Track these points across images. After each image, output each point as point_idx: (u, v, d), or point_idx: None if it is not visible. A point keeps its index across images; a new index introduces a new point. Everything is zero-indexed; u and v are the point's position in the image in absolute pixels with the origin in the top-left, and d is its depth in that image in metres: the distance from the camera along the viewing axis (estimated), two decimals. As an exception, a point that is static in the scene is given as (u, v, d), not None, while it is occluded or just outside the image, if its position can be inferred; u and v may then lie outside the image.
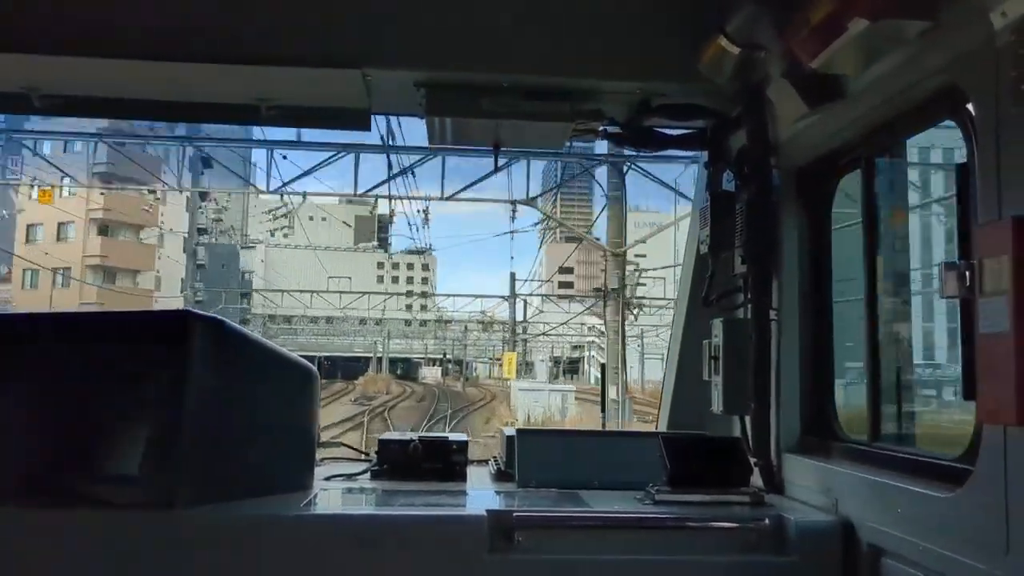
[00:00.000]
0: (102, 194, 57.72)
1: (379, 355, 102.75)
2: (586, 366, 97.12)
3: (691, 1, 4.08)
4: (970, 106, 2.86)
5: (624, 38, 4.18)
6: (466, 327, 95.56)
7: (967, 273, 2.63)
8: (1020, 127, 2.49)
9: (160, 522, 3.30)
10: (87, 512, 3.34)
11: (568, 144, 5.28)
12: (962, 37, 2.76)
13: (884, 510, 3.22)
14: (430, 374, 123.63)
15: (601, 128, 4.58)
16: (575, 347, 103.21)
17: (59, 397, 3.63)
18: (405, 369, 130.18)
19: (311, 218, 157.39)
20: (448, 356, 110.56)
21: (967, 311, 2.77)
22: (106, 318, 4.13)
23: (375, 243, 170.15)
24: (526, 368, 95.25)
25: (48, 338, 3.79)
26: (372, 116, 4.65)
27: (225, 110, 4.61)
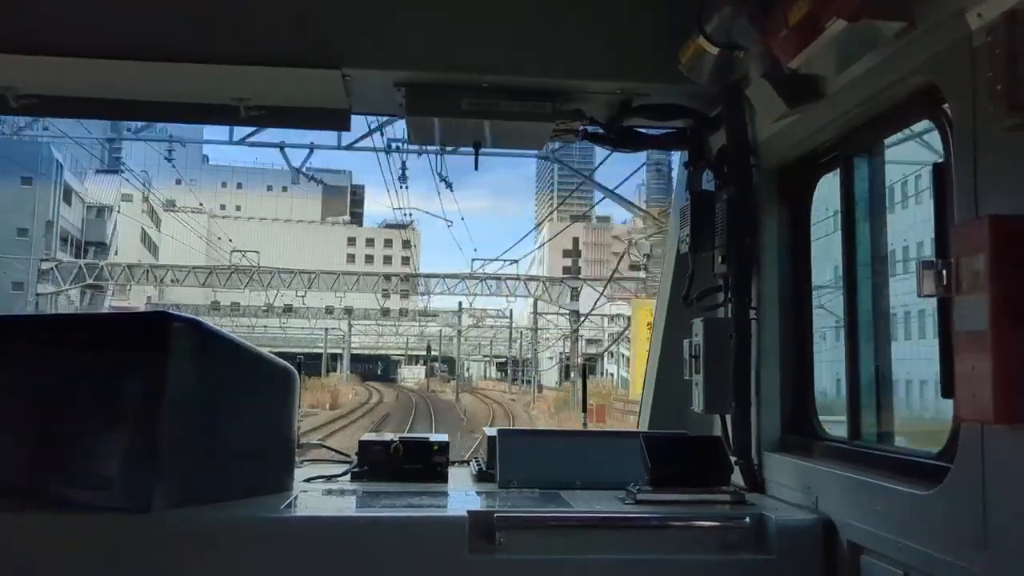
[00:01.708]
0: None
1: (333, 351, 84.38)
2: (606, 365, 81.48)
3: (671, 2, 4.09)
4: (947, 106, 2.89)
5: (605, 39, 4.18)
6: (461, 305, 74.33)
7: (944, 272, 2.65)
8: (996, 127, 2.51)
9: (139, 525, 3.27)
10: (65, 516, 3.31)
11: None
12: (939, 38, 2.78)
13: (864, 508, 3.24)
14: (411, 375, 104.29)
15: (582, 128, 4.58)
16: (590, 341, 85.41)
17: (35, 400, 3.59)
18: (384, 368, 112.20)
19: (269, 188, 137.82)
20: (434, 351, 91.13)
21: (944, 310, 2.79)
22: (83, 320, 4.09)
23: (347, 217, 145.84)
24: (533, 368, 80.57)
25: (23, 341, 3.74)
26: (352, 116, 4.63)
27: (203, 110, 4.58)
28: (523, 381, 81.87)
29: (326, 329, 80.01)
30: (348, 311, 74.97)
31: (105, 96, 4.48)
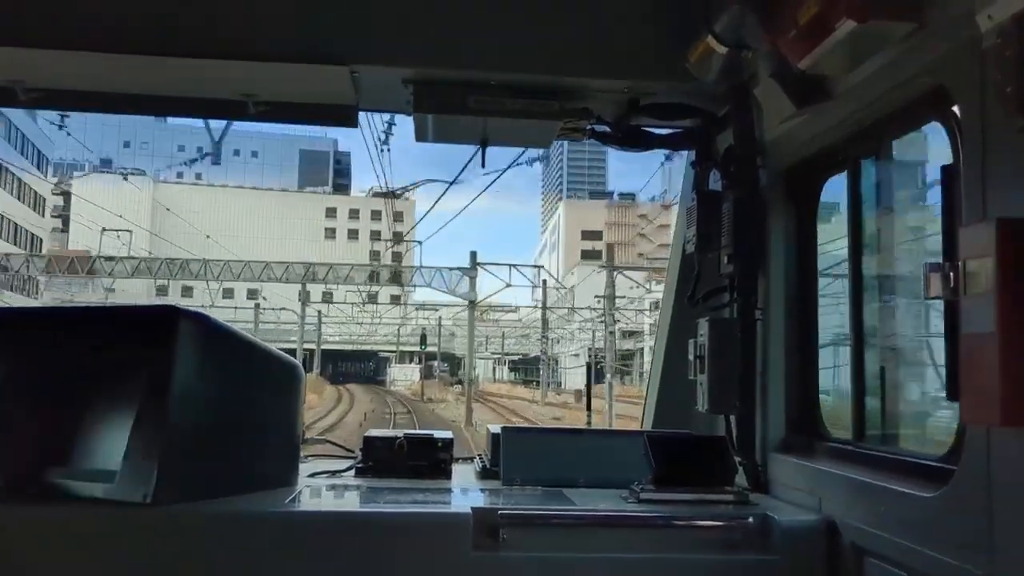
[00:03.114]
0: None
1: (307, 345, 64.21)
2: (646, 365, 64.40)
3: (680, 1, 4.09)
4: (956, 108, 2.88)
5: (613, 37, 4.18)
6: (475, 258, 51.76)
7: (951, 274, 2.65)
8: (1005, 129, 2.50)
9: (143, 519, 3.28)
10: (69, 509, 3.32)
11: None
12: (948, 39, 2.77)
13: (867, 510, 3.23)
14: (402, 376, 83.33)
15: (589, 127, 4.58)
16: (626, 334, 72.31)
17: (41, 392, 3.61)
18: (376, 367, 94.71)
19: (236, 152, 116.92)
20: (431, 344, 72.31)
21: (951, 312, 2.78)
22: (89, 313, 4.10)
23: (329, 188, 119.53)
24: (550, 368, 68.72)
25: (30, 333, 3.76)
26: (359, 112, 4.64)
27: (211, 105, 4.58)
28: (549, 383, 68.39)
29: (256, 304, 59.11)
30: (304, 292, 57.35)
31: (112, 90, 4.49)
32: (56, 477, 3.42)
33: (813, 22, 3.03)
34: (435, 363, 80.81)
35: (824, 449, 3.84)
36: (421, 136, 4.70)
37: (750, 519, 3.56)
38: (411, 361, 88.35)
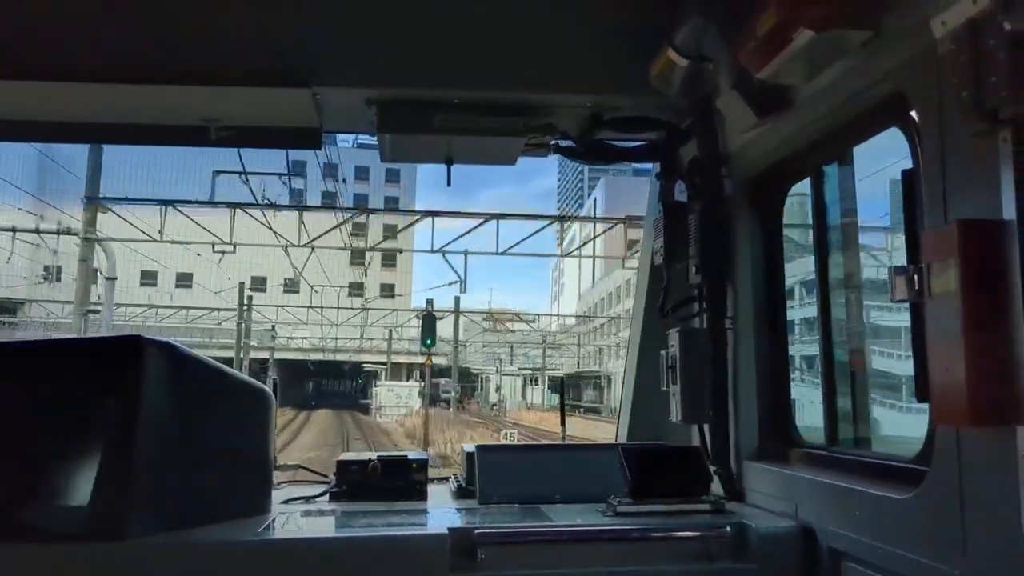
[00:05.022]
0: None
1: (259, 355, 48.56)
2: None
3: (640, 15, 4.12)
4: (914, 113, 2.93)
5: (575, 52, 4.20)
6: None
7: (916, 276, 2.68)
8: (962, 133, 2.54)
9: (114, 553, 3.21)
10: (38, 546, 3.24)
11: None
12: (905, 46, 2.82)
13: (843, 514, 3.25)
14: (393, 401, 59.68)
15: (553, 142, 4.60)
16: None
17: (4, 428, 3.53)
18: (363, 386, 74.12)
19: None
20: (444, 349, 50.27)
21: (917, 314, 2.81)
22: (55, 344, 4.03)
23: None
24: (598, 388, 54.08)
25: None
26: (323, 134, 4.61)
27: (172, 132, 4.54)
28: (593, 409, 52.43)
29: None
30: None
31: (72, 119, 4.43)
32: (24, 514, 3.34)
33: (772, 32, 3.06)
34: (443, 381, 54.23)
35: (798, 455, 3.86)
36: (387, 155, 4.69)
37: (727, 528, 3.56)
38: (408, 377, 64.94)
